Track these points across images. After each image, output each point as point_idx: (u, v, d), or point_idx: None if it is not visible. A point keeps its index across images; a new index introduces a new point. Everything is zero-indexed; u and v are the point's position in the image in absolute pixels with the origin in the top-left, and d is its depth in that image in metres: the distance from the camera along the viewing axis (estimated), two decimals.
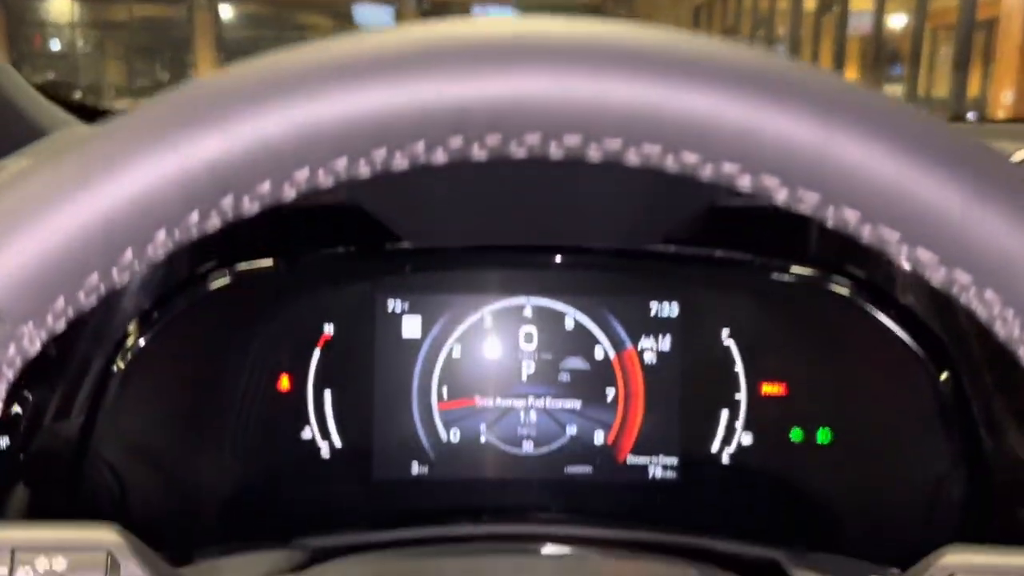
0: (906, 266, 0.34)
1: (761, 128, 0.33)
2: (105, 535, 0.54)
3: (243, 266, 0.82)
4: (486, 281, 0.86)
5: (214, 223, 0.38)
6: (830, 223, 0.34)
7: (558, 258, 0.86)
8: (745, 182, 0.35)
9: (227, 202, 0.36)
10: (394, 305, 0.85)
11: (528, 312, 0.85)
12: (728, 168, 0.34)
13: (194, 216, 0.36)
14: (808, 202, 0.35)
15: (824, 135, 0.33)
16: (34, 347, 0.35)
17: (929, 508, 0.83)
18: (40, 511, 0.77)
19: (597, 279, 0.86)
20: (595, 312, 0.85)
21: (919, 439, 0.82)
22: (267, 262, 0.82)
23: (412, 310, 0.85)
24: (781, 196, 0.36)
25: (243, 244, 0.84)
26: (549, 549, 0.81)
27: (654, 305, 0.85)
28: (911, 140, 0.33)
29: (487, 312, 0.85)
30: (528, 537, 0.87)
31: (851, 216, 0.35)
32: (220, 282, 0.81)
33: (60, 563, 0.53)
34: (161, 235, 0.35)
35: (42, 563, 0.53)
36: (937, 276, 0.34)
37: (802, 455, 0.83)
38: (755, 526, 0.86)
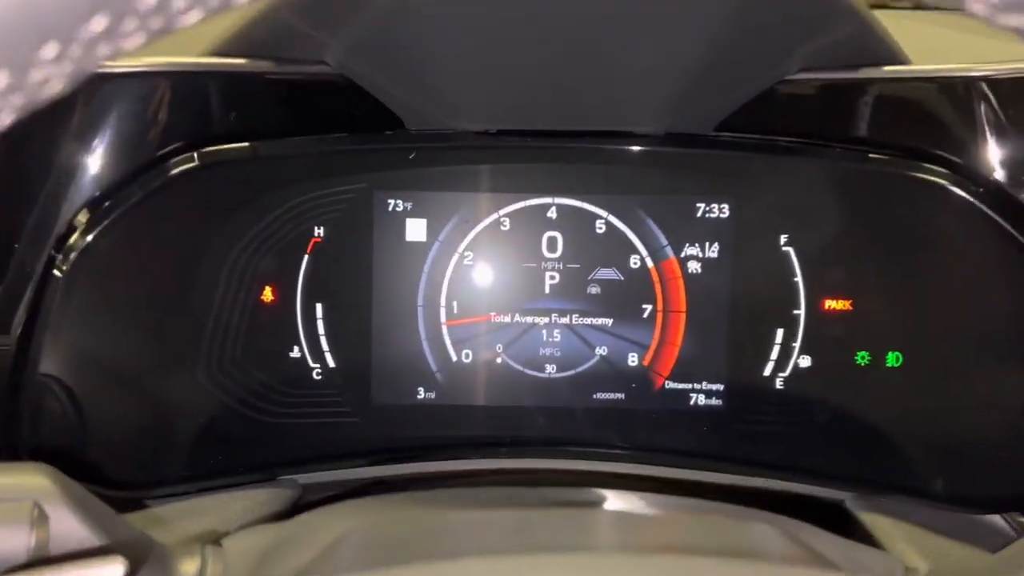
0: None
1: None
2: (31, 479, 0.42)
3: (213, 150, 0.71)
4: (504, 176, 0.76)
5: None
6: None
7: (588, 148, 0.75)
8: None
9: None
10: (395, 203, 0.75)
11: (552, 214, 0.76)
12: None
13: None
14: None
15: None
16: None
17: (1020, 442, 0.71)
18: None
19: (634, 175, 0.76)
20: (631, 214, 0.76)
21: (1017, 359, 0.71)
22: (242, 146, 0.72)
23: (416, 210, 0.75)
24: None
25: (216, 126, 0.72)
26: (580, 495, 0.71)
27: (701, 205, 0.75)
28: None
29: (504, 213, 0.76)
30: (550, 474, 0.77)
31: None
32: (185, 167, 0.70)
33: None
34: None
35: None
36: None
37: (868, 380, 0.74)
38: (812, 462, 0.76)
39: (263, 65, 0.71)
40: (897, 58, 0.69)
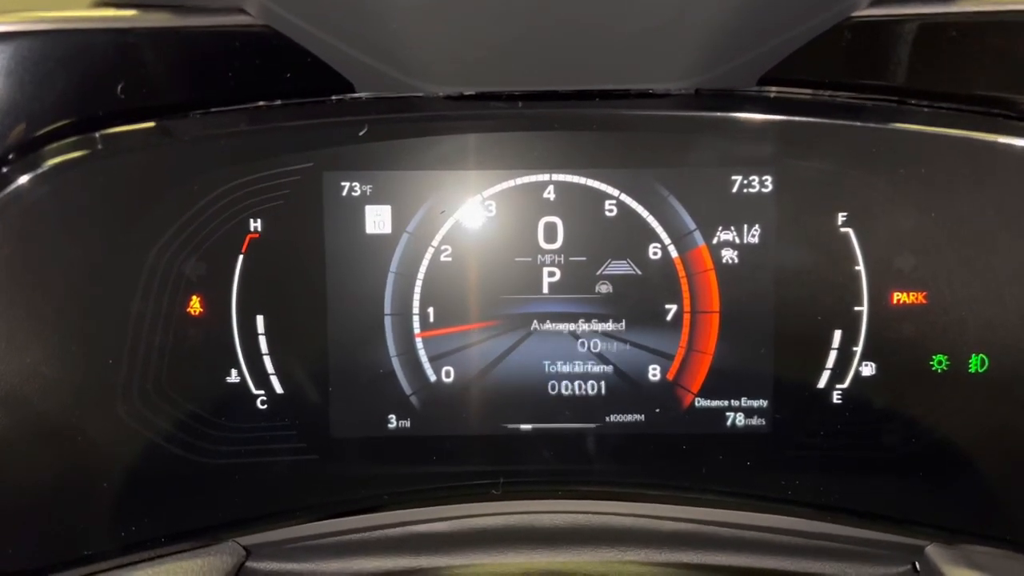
0: None
1: None
2: None
3: (109, 132, 0.62)
4: (486, 149, 0.68)
5: None
6: None
7: (593, 112, 0.66)
8: None
9: None
10: (350, 186, 0.67)
11: (550, 194, 0.68)
12: None
13: None
14: None
15: None
16: None
17: None
18: None
19: (652, 143, 0.67)
20: (649, 192, 0.68)
21: None
22: (147, 126, 0.63)
23: (378, 195, 0.68)
24: None
25: (112, 99, 0.62)
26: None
27: (737, 179, 0.67)
28: None
29: (489, 196, 0.68)
30: (555, 533, 0.70)
31: None
32: (71, 155, 0.62)
33: None
34: None
35: None
36: None
37: (946, 391, 0.66)
38: (879, 498, 0.68)
39: (163, 18, 0.61)
40: None
